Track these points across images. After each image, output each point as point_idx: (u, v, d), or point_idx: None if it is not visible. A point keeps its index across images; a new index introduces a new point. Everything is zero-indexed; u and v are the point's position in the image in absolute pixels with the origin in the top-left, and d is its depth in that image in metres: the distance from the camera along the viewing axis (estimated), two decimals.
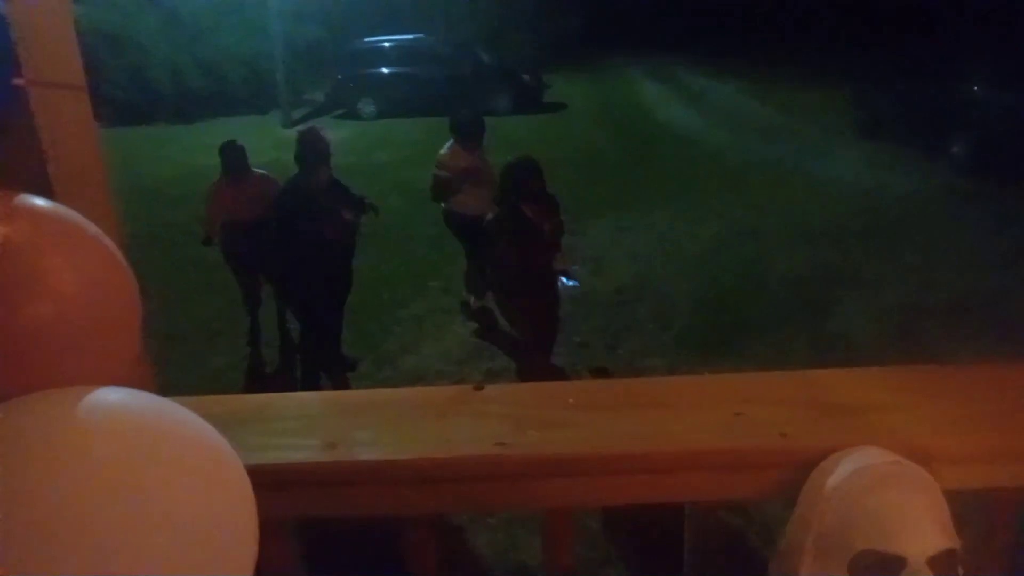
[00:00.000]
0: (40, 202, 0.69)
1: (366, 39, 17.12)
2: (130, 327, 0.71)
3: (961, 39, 11.73)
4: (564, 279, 4.31)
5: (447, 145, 5.40)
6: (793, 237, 7.06)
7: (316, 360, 4.53)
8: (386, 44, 16.83)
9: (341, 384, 4.43)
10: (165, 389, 0.78)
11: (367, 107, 16.31)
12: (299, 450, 1.00)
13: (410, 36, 17.16)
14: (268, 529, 0.97)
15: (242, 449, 1.00)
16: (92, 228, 0.71)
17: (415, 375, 4.93)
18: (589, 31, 25.88)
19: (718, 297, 5.84)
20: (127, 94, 16.97)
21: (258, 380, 5.01)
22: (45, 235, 0.65)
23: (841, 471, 0.94)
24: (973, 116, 8.89)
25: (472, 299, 5.75)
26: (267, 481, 0.98)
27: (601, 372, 4.70)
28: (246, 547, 0.63)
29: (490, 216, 4.11)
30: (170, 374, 4.05)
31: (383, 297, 6.22)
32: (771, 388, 1.09)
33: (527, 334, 4.22)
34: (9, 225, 0.64)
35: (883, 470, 0.92)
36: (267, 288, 5.21)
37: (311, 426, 1.04)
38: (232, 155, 5.18)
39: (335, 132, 15.72)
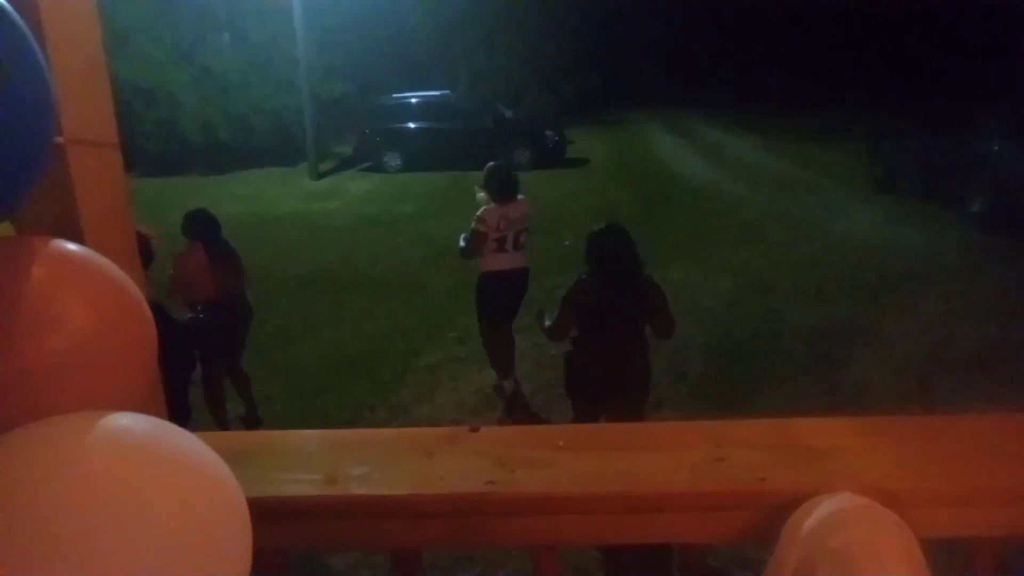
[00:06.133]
0: (67, 246, 0.77)
1: (394, 95, 17.62)
2: (144, 359, 0.78)
3: (979, 93, 11.82)
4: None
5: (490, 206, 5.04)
6: (808, 290, 7.08)
7: None
8: (413, 100, 17.31)
9: None
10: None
11: (393, 160, 16.70)
12: (299, 484, 1.06)
13: (436, 92, 17.65)
14: (267, 560, 1.02)
15: (243, 482, 1.06)
16: (114, 270, 0.79)
17: (429, 424, 4.96)
18: (609, 87, 26.42)
19: (733, 350, 5.85)
20: (159, 145, 17.56)
21: None
22: (67, 275, 0.73)
23: (816, 515, 0.97)
24: (991, 171, 8.91)
25: (505, 382, 5.30)
26: (267, 513, 1.04)
27: None
28: (239, 573, 0.68)
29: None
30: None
31: (399, 346, 6.30)
32: (751, 434, 1.13)
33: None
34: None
35: (854, 514, 0.95)
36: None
37: (311, 462, 1.10)
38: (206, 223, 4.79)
39: (359, 183, 16.12)
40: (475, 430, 1.16)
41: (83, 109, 0.97)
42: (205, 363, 4.68)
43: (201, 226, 4.71)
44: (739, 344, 5.95)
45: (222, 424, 4.84)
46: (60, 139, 0.93)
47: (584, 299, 3.56)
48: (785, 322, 6.32)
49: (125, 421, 0.64)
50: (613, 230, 3.64)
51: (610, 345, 3.56)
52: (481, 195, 5.21)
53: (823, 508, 0.97)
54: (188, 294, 4.56)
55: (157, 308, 3.62)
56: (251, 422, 5.02)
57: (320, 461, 1.10)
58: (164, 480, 0.61)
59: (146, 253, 3.62)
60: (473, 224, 4.98)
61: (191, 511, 0.62)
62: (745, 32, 30.59)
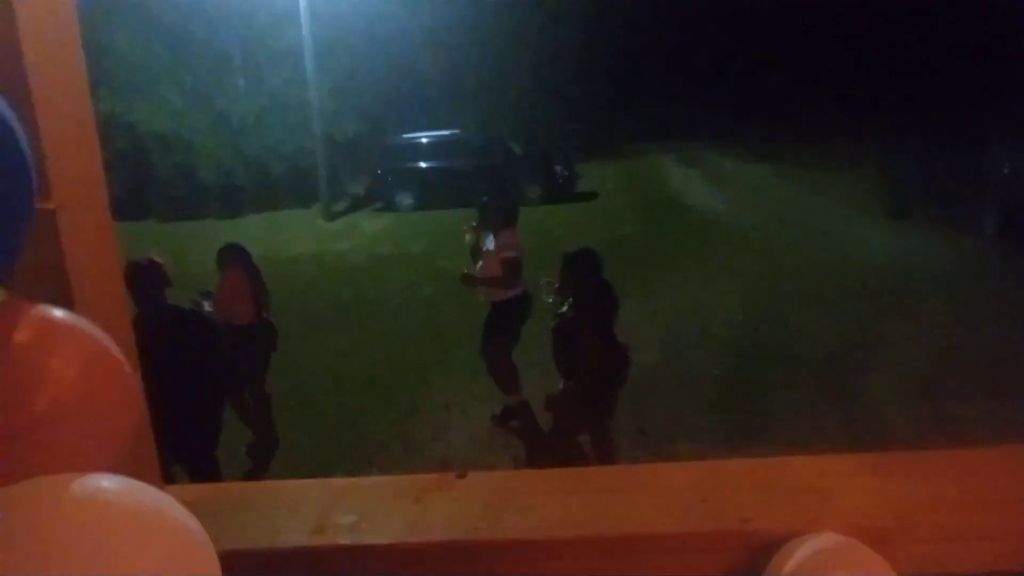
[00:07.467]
0: (52, 311, 0.80)
1: (404, 135, 17.88)
2: (127, 422, 0.80)
3: (991, 108, 11.80)
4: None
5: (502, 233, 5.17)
6: (823, 318, 7.04)
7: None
8: (424, 139, 17.55)
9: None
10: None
11: (406, 199, 16.88)
12: (289, 534, 1.07)
13: (446, 132, 17.89)
14: None
15: (234, 533, 1.08)
16: (99, 335, 0.82)
17: (443, 461, 4.95)
18: (619, 120, 26.65)
19: (748, 380, 5.82)
20: (177, 190, 17.86)
21: None
22: (51, 340, 0.76)
23: (798, 556, 0.97)
24: (1005, 188, 8.87)
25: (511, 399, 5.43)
26: (257, 565, 1.06)
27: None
28: None
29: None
30: None
31: (413, 383, 6.31)
32: (737, 473, 1.13)
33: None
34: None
35: (837, 554, 0.96)
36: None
37: (301, 511, 1.11)
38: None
39: (372, 223, 16.31)
40: (462, 476, 1.17)
41: (72, 174, 1.00)
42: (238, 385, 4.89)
43: (236, 256, 5.09)
44: (754, 373, 5.93)
45: (271, 435, 5.04)
46: (50, 205, 0.97)
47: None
48: (799, 351, 6.29)
49: (95, 482, 0.66)
50: (581, 254, 4.21)
51: (590, 343, 4.05)
52: (469, 236, 5.39)
53: (805, 548, 0.97)
54: (229, 319, 4.83)
55: (202, 319, 3.85)
56: (270, 444, 5.14)
57: (310, 510, 1.11)
58: (130, 536, 0.63)
59: (162, 278, 3.94)
60: (507, 254, 5.06)
61: (157, 565, 0.64)
62: (753, 61, 30.87)
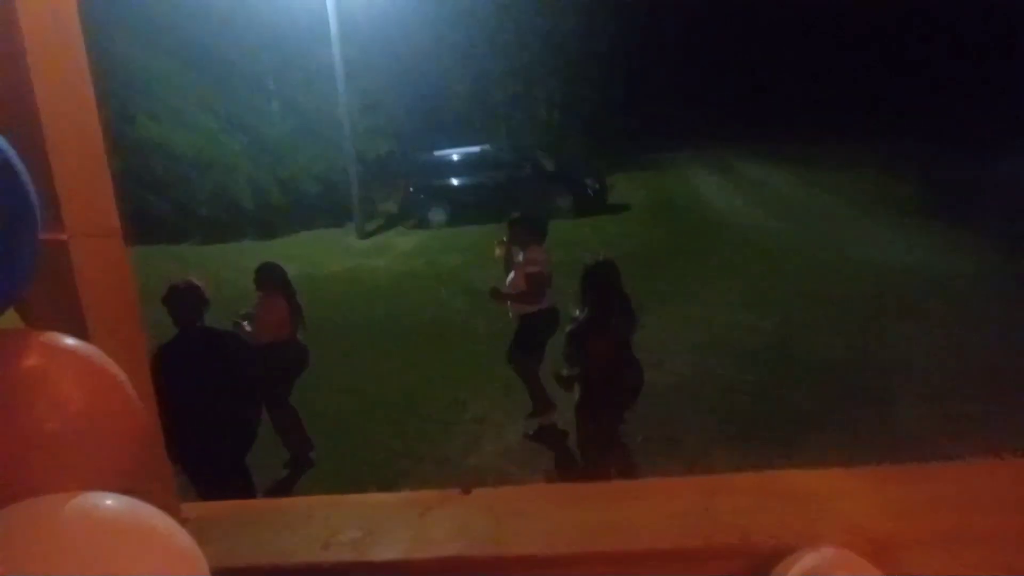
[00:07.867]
0: (60, 339, 0.85)
1: (435, 152, 18.04)
2: (130, 444, 0.84)
3: (1008, 112, 11.62)
4: None
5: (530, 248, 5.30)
6: (854, 326, 6.94)
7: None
8: (454, 156, 17.68)
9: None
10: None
11: (438, 215, 16.99)
12: (297, 551, 1.10)
13: (477, 148, 18.01)
14: None
15: (243, 550, 1.11)
16: (105, 361, 0.86)
17: (476, 476, 4.97)
18: (647, 131, 26.60)
19: (779, 388, 5.76)
20: (214, 213, 18.21)
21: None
22: (57, 365, 0.80)
23: (797, 569, 0.97)
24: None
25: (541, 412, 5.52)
26: None
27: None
28: None
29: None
30: None
31: (446, 397, 6.35)
32: (737, 488, 1.13)
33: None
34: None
35: (834, 567, 0.95)
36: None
37: (309, 527, 1.14)
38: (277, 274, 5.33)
39: (405, 240, 16.41)
40: (467, 492, 1.19)
41: (84, 204, 1.04)
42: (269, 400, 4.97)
43: (275, 277, 5.23)
44: (784, 382, 5.87)
45: (306, 450, 5.21)
46: (63, 235, 1.01)
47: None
48: (830, 359, 6.22)
49: (93, 500, 0.70)
50: (603, 265, 4.19)
51: (606, 351, 4.05)
52: (499, 251, 5.51)
53: (804, 562, 0.97)
54: (269, 339, 4.98)
55: (237, 340, 3.97)
56: (305, 460, 5.26)
57: (317, 526, 1.14)
58: (121, 550, 0.66)
59: (200, 300, 4.02)
60: (531, 269, 5.16)
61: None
62: (777, 65, 30.63)
